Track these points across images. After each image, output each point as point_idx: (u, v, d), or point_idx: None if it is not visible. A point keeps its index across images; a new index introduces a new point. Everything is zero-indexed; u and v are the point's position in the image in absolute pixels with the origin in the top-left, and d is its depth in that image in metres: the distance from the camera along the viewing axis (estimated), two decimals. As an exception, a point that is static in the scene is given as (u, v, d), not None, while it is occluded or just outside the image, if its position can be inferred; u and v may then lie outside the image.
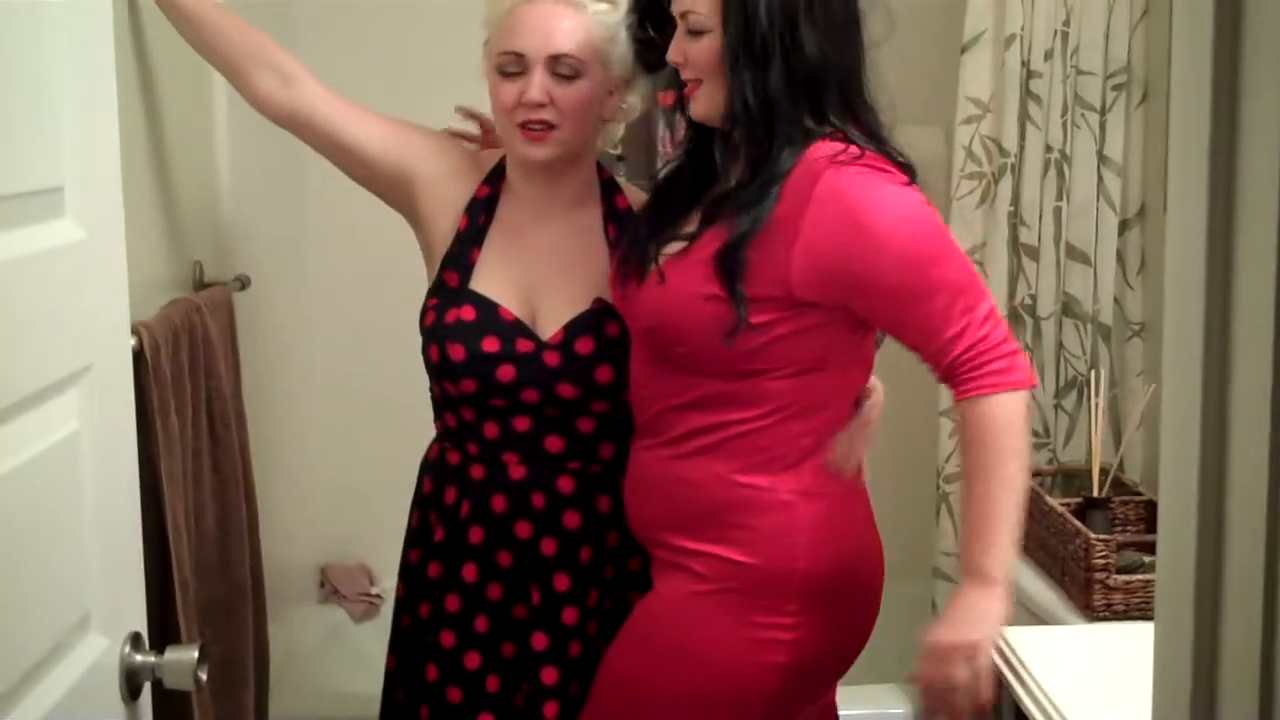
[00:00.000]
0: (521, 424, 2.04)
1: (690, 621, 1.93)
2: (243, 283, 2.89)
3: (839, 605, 1.95)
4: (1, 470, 1.22)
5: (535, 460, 2.04)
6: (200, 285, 2.72)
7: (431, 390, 2.15)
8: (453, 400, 2.07)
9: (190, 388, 2.38)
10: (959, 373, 1.82)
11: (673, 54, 1.91)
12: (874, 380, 2.06)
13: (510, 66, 2.01)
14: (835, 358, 1.91)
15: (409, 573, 2.16)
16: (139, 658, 1.46)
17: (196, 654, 1.48)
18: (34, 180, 1.32)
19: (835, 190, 1.79)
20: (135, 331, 2.11)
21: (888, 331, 1.92)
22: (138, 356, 2.11)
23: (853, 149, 1.82)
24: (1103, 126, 3.07)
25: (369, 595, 3.65)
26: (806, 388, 1.90)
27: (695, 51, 1.87)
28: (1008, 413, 1.82)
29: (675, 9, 1.91)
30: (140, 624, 1.53)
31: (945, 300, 1.81)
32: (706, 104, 1.90)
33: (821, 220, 1.79)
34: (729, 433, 1.90)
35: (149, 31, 2.43)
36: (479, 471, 2.06)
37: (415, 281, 2.21)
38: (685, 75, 1.91)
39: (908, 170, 1.88)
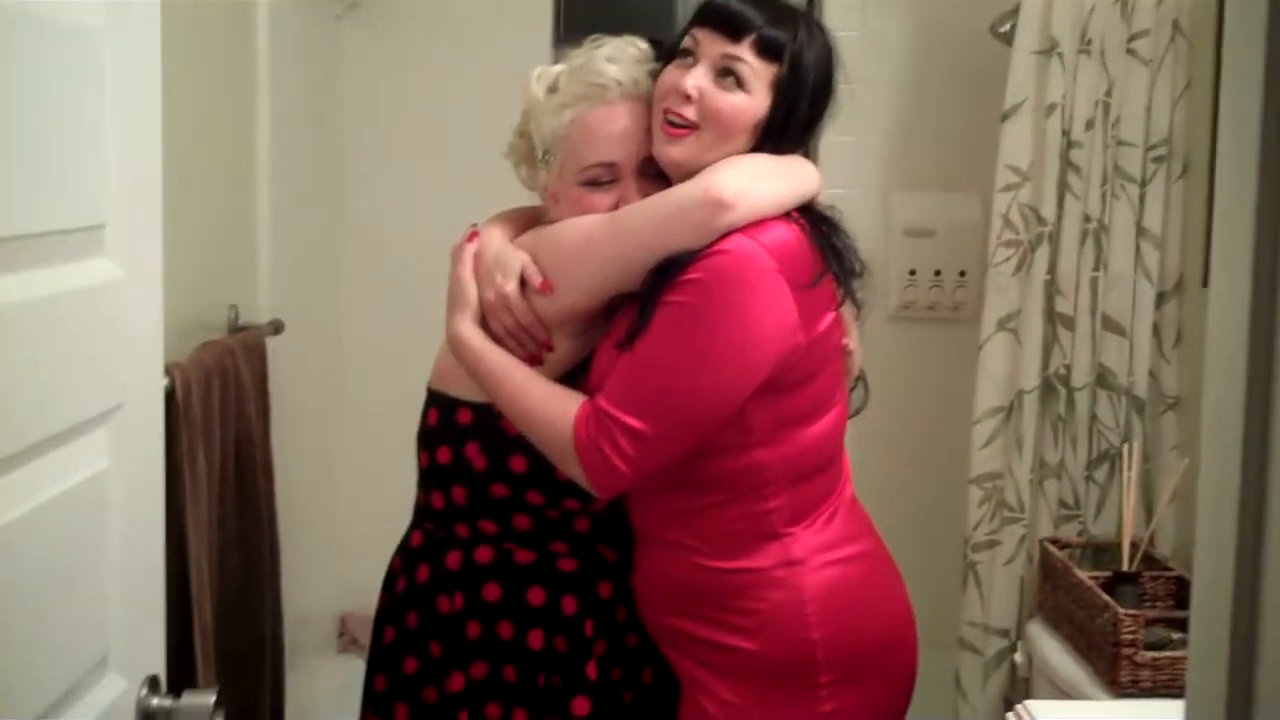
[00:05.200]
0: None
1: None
2: (276, 328, 2.91)
3: (873, 669, 1.92)
4: (29, 506, 1.22)
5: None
6: (235, 329, 2.74)
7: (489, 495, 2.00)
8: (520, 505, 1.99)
9: (220, 431, 2.38)
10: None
11: (689, 87, 1.84)
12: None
13: (602, 178, 1.92)
14: (755, 433, 1.85)
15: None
16: (156, 701, 1.45)
17: (214, 699, 1.47)
18: (75, 218, 1.33)
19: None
20: (168, 372, 2.12)
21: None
22: (169, 397, 2.12)
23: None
24: (1142, 198, 3.06)
25: (389, 645, 3.63)
26: (744, 467, 1.86)
27: (723, 103, 1.83)
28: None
29: (711, 48, 1.85)
30: (159, 667, 1.52)
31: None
32: (694, 153, 1.84)
33: None
34: (689, 520, 1.89)
35: (195, 75, 2.46)
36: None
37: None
38: (685, 113, 1.84)
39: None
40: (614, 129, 1.92)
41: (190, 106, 2.44)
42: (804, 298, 1.79)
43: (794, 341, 1.79)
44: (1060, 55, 3.02)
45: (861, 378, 2.06)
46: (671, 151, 1.85)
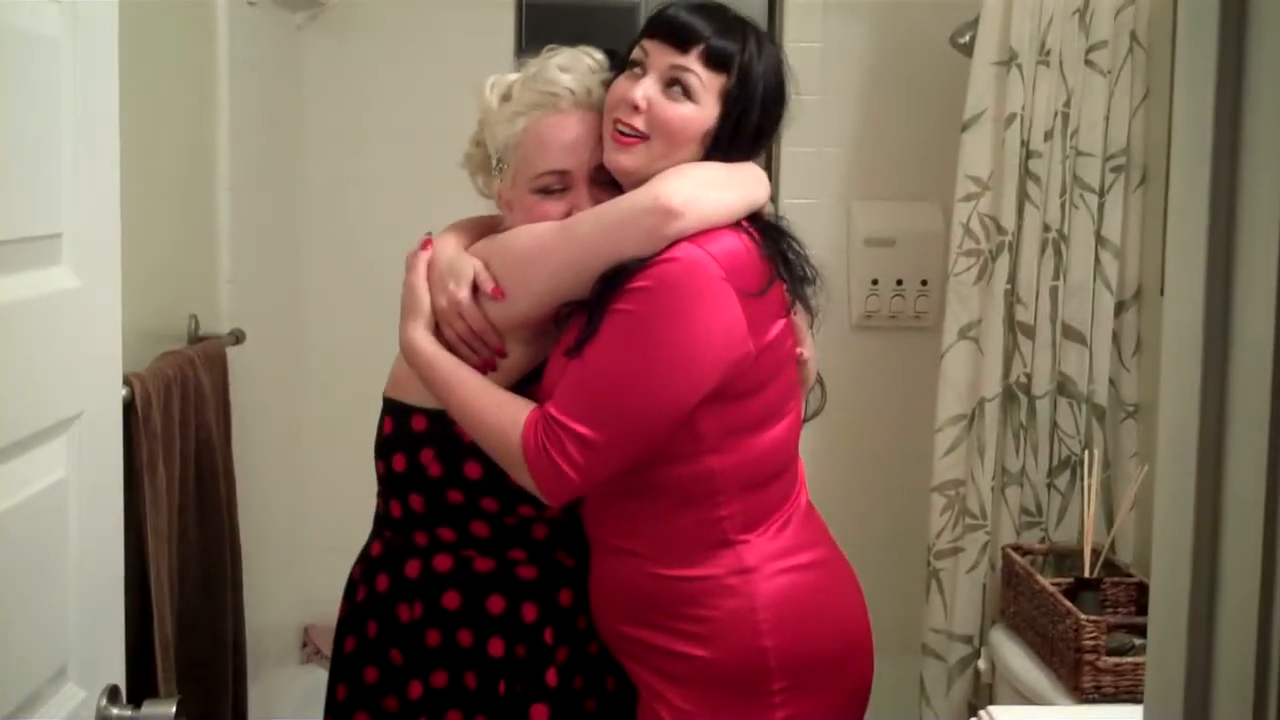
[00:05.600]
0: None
1: None
2: (237, 337, 2.89)
3: (827, 677, 1.92)
4: (-15, 517, 1.21)
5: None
6: (195, 338, 2.72)
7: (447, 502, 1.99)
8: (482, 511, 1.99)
9: (180, 440, 2.37)
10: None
11: (638, 98, 1.84)
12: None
13: (553, 185, 1.93)
14: (705, 440, 1.85)
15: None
16: (115, 711, 1.44)
17: (174, 709, 1.46)
18: (32, 226, 1.32)
19: None
20: (127, 382, 2.11)
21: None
22: (128, 407, 2.11)
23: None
24: (1101, 208, 3.08)
25: (352, 656, 3.61)
26: (696, 474, 1.86)
27: (671, 113, 1.84)
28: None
29: (660, 59, 1.86)
30: (119, 677, 1.51)
31: None
32: (644, 162, 1.85)
33: None
34: (641, 527, 1.89)
35: (154, 83, 2.45)
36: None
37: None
38: (634, 124, 1.84)
39: None
40: (566, 137, 1.92)
41: (149, 115, 2.43)
42: (752, 306, 1.80)
43: (742, 350, 1.80)
44: (1019, 66, 3.04)
45: (819, 382, 2.07)
46: (622, 160, 1.86)
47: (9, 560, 1.26)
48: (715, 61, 1.85)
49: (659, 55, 1.86)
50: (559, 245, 1.84)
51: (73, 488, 1.39)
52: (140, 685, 2.07)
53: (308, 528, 3.62)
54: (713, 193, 1.81)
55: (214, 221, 2.92)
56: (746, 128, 1.88)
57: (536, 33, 3.56)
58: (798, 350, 1.96)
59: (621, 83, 1.88)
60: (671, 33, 1.86)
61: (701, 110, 1.85)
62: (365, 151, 3.64)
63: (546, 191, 1.92)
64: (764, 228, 1.87)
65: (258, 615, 2.96)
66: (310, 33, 3.58)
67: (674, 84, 1.85)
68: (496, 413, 1.83)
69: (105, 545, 1.50)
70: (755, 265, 1.81)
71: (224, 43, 2.91)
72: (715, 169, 1.85)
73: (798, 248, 1.92)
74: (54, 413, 1.36)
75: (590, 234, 1.82)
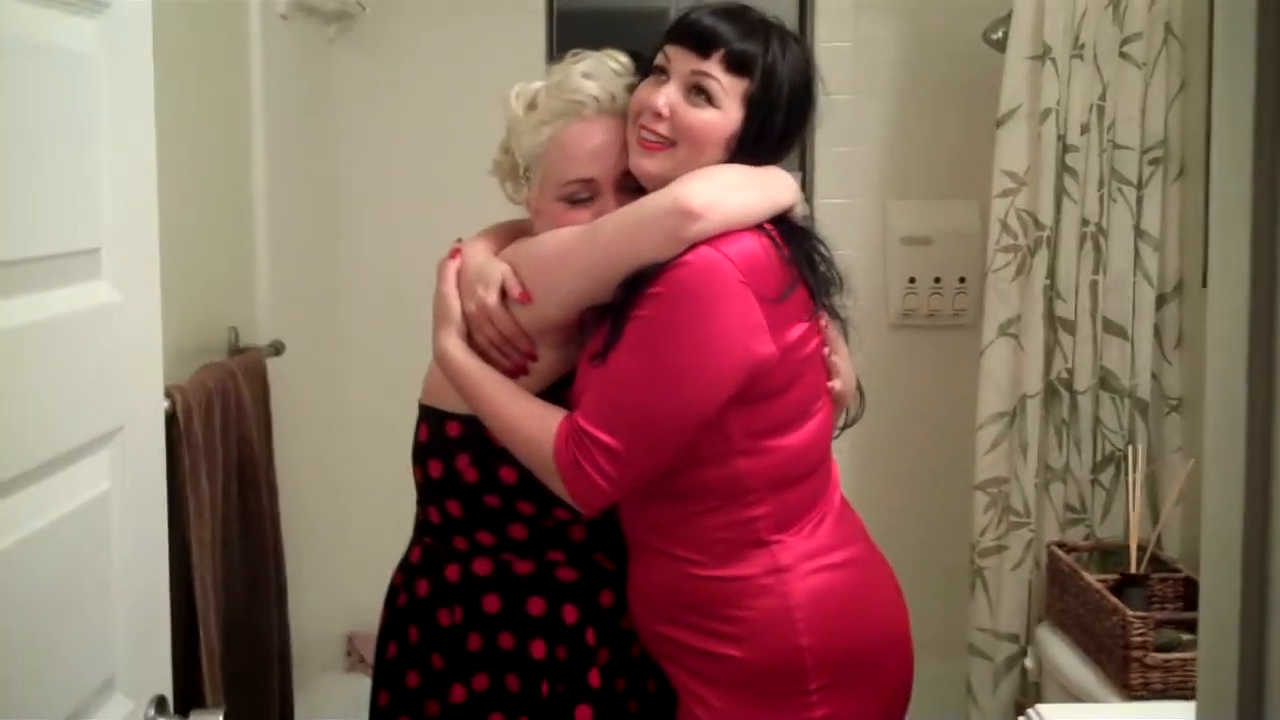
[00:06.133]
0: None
1: None
2: (277, 348, 2.91)
3: (865, 674, 1.92)
4: (32, 528, 1.23)
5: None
6: (235, 350, 2.74)
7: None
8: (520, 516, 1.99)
9: (222, 452, 2.38)
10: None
11: (660, 105, 1.84)
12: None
13: (580, 194, 1.92)
14: (734, 442, 1.84)
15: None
16: (163, 722, 1.45)
17: (221, 719, 1.47)
18: (72, 241, 1.33)
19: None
20: (169, 394, 2.12)
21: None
22: (170, 419, 2.12)
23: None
24: (1139, 201, 3.06)
25: (397, 664, 3.62)
26: (726, 476, 1.86)
27: (694, 119, 1.84)
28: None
29: (682, 64, 1.86)
30: (166, 688, 1.52)
31: None
32: (669, 167, 1.85)
33: None
34: (676, 529, 1.89)
35: (189, 98, 2.46)
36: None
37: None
38: (660, 130, 1.85)
39: None
40: (591, 145, 1.92)
41: (185, 129, 2.44)
42: (772, 308, 1.79)
43: (764, 352, 1.79)
44: (1053, 60, 3.02)
45: (858, 388, 2.06)
46: (647, 165, 1.86)
47: (56, 573, 1.27)
48: (737, 66, 1.85)
49: (681, 61, 1.86)
50: (582, 248, 1.84)
51: (116, 500, 1.40)
52: (187, 696, 2.08)
53: (349, 536, 3.63)
54: (734, 195, 1.80)
55: (251, 233, 2.93)
56: (771, 131, 1.87)
57: (568, 40, 3.55)
58: (831, 358, 1.95)
59: (645, 89, 1.88)
60: (693, 38, 1.86)
61: (724, 115, 1.85)
62: (399, 160, 3.66)
63: (573, 200, 1.92)
64: (787, 230, 1.86)
65: (302, 624, 2.97)
66: (342, 45, 3.60)
67: (697, 90, 1.85)
68: (528, 423, 1.83)
69: (150, 557, 1.51)
70: (774, 267, 1.80)
71: (257, 56, 2.93)
72: (737, 171, 1.85)
73: (824, 250, 1.91)
74: (97, 426, 1.37)
75: (612, 237, 1.82)
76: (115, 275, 1.40)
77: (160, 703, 1.46)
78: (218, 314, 2.72)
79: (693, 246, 1.76)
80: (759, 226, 1.82)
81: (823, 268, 1.89)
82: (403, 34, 3.63)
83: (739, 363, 1.78)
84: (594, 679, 1.95)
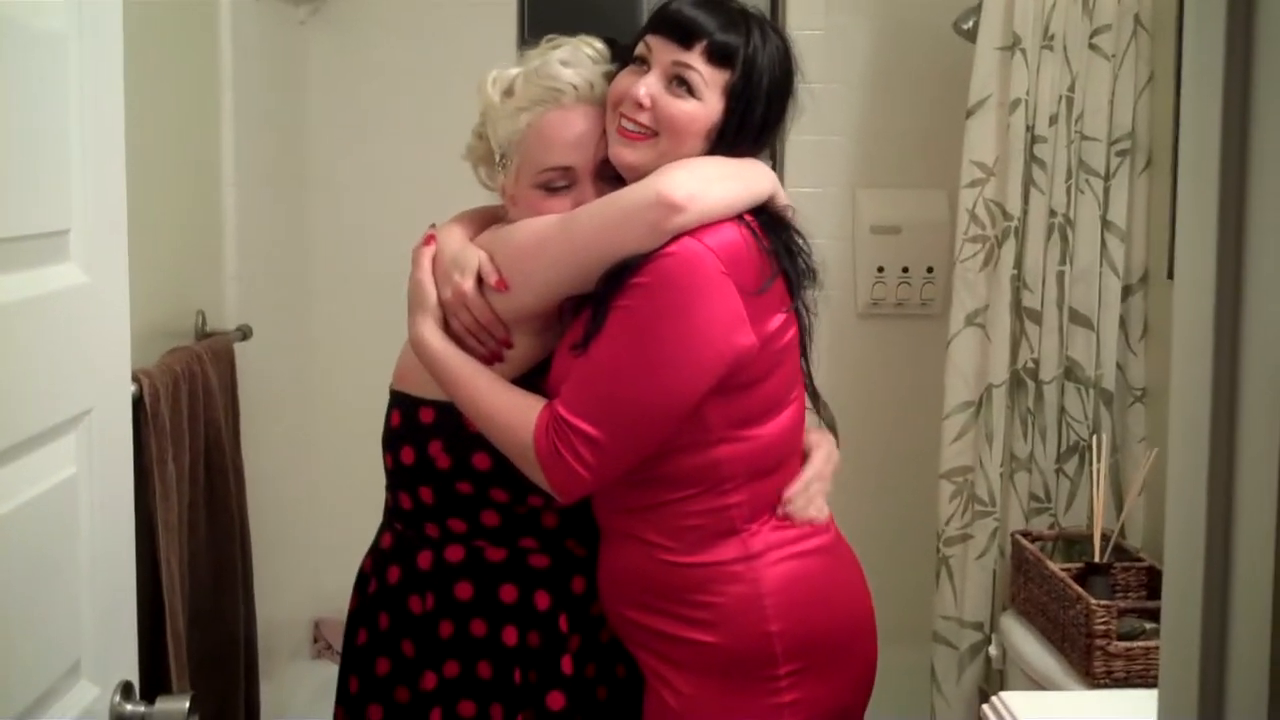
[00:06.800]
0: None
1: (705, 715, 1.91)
2: (244, 333, 2.89)
3: (833, 660, 1.93)
4: (-3, 514, 1.22)
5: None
6: (202, 335, 2.73)
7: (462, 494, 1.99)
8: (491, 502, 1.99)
9: (189, 436, 2.37)
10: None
11: (641, 95, 1.84)
12: (819, 435, 2.04)
13: (558, 182, 1.92)
14: (713, 431, 1.86)
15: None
16: (129, 707, 1.45)
17: (187, 705, 1.46)
18: (40, 223, 1.32)
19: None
20: (136, 378, 2.11)
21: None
22: (137, 403, 2.11)
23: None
24: (1106, 192, 3.08)
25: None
26: (704, 464, 1.87)
27: (675, 110, 1.84)
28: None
29: (663, 55, 1.86)
30: (131, 673, 1.51)
31: None
32: (650, 157, 1.85)
33: None
34: (650, 516, 1.89)
35: (159, 79, 2.45)
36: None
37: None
38: (641, 120, 1.85)
39: None
40: (569, 134, 1.91)
41: (154, 111, 2.43)
42: (752, 298, 1.80)
43: (745, 342, 1.80)
44: (1023, 51, 3.03)
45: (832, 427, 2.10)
46: (627, 155, 1.86)
47: (21, 557, 1.27)
48: (718, 58, 1.85)
49: (662, 51, 1.86)
50: (560, 238, 1.84)
51: (83, 484, 1.40)
52: (153, 681, 2.07)
53: (316, 522, 3.62)
54: (715, 186, 1.81)
55: (219, 217, 2.92)
56: (751, 122, 1.88)
57: (539, 23, 3.56)
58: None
59: (625, 78, 1.88)
60: (675, 29, 1.86)
61: (705, 106, 1.85)
62: (370, 144, 3.64)
63: (551, 187, 1.92)
64: (766, 220, 1.87)
65: (268, 610, 2.96)
66: (313, 27, 3.58)
67: (677, 80, 1.85)
68: (508, 412, 1.83)
69: (116, 541, 1.50)
70: (755, 257, 1.81)
71: (227, 38, 2.91)
72: (717, 163, 1.85)
73: (802, 242, 1.92)
74: (63, 409, 1.36)
75: (592, 228, 1.81)
76: (84, 257, 1.39)
77: (126, 688, 1.46)
78: (185, 298, 2.71)
79: (675, 237, 1.76)
80: (739, 217, 1.82)
81: (800, 259, 1.90)
82: (373, 15, 3.61)
83: (721, 354, 1.78)
84: (566, 665, 1.95)
